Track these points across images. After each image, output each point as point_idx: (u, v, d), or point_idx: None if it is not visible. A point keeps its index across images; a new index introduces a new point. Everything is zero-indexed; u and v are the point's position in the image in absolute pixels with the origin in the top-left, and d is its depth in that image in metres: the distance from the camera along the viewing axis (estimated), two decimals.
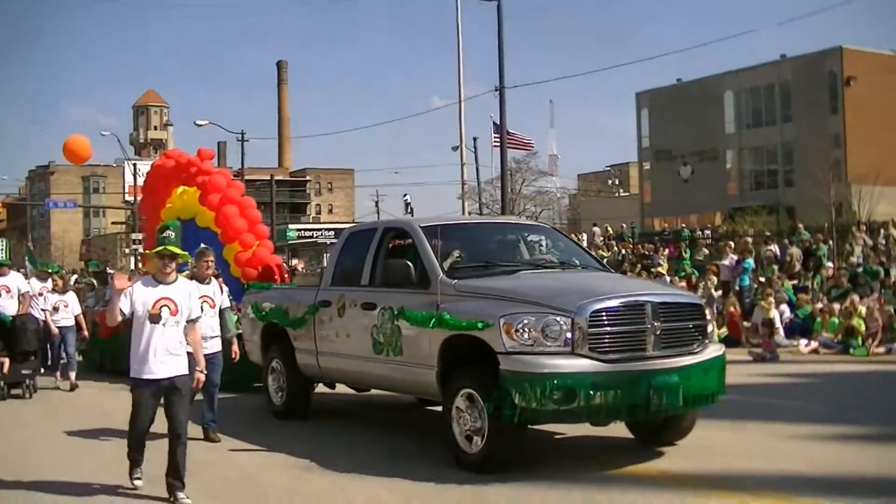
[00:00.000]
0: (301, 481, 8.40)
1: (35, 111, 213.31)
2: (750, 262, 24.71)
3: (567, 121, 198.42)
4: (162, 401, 7.94)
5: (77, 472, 8.83)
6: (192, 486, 7.77)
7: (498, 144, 32.21)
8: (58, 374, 16.09)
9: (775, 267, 24.44)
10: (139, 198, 57.38)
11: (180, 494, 7.74)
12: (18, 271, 16.31)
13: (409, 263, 9.35)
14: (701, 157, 59.51)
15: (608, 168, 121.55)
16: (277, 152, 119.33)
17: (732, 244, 27.66)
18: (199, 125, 49.42)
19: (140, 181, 58.68)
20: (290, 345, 11.40)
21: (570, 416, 8.06)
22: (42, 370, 15.33)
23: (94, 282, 25.82)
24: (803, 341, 18.89)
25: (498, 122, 31.92)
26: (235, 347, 11.16)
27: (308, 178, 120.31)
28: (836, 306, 19.63)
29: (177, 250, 7.82)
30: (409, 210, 49.04)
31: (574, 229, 57.34)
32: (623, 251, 35.08)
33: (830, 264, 24.77)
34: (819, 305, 20.77)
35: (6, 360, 14.52)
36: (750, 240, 30.25)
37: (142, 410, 7.77)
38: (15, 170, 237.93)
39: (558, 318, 7.91)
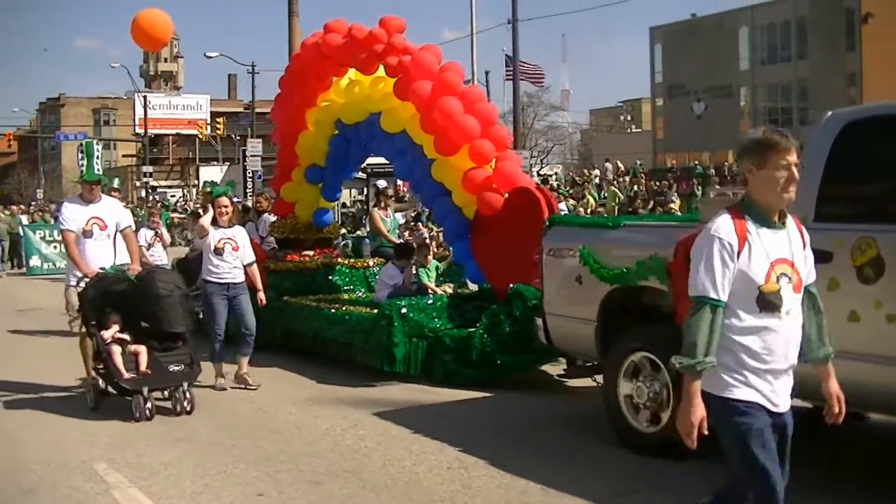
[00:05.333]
0: None
1: (44, 43, 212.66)
2: None
3: (580, 56, 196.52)
4: None
5: None
6: None
7: (510, 77, 32.08)
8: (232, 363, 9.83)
9: None
10: (150, 130, 57.88)
11: None
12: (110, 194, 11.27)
13: None
14: (714, 94, 59.04)
15: (621, 104, 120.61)
16: None
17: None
18: (210, 57, 49.40)
19: (151, 113, 59.31)
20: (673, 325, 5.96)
21: None
22: (200, 368, 8.91)
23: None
24: None
25: (510, 56, 31.76)
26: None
27: None
28: None
29: None
30: None
31: (586, 165, 57.16)
32: (636, 187, 34.95)
33: None
34: None
35: (142, 350, 8.60)
36: None
37: None
38: (26, 103, 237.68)
39: None
